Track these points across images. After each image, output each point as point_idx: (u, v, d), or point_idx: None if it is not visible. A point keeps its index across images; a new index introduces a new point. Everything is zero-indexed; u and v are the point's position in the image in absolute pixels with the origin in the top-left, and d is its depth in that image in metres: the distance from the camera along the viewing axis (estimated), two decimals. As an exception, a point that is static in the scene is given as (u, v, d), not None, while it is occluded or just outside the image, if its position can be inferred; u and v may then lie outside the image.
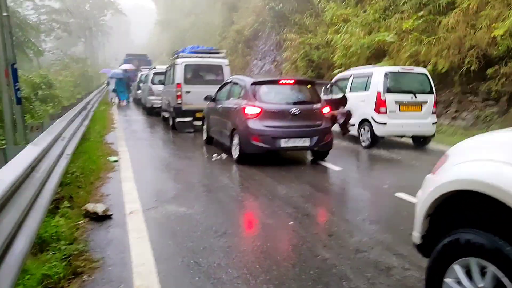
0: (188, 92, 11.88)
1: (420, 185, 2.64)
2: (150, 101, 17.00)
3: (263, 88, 7.47)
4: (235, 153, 7.57)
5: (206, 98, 9.35)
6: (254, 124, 7.13)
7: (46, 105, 14.63)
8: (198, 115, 11.92)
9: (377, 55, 15.39)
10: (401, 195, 5.37)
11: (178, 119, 12.01)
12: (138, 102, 22.29)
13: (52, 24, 44.41)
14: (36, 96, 15.41)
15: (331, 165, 7.31)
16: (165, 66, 17.61)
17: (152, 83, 16.98)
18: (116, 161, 7.59)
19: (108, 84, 26.43)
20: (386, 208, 5.15)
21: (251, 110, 7.20)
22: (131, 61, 34.72)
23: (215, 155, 8.16)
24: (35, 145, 4.62)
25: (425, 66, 12.14)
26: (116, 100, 23.98)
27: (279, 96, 7.55)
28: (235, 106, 7.68)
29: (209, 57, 12.43)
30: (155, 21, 63.15)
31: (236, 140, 7.53)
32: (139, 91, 21.31)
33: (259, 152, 7.25)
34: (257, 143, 7.10)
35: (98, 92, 25.17)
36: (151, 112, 17.16)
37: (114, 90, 24.00)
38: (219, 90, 9.21)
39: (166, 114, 13.94)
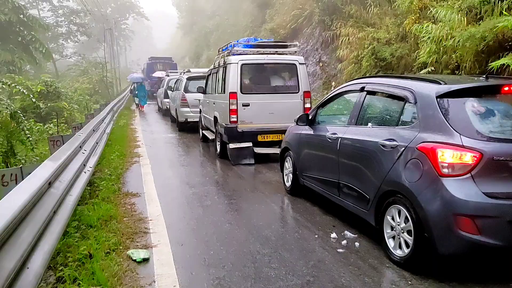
0: (247, 105, 7.94)
1: None
2: (184, 114, 13.10)
3: (470, 104, 3.37)
4: (395, 244, 3.51)
5: (299, 120, 5.30)
6: (460, 190, 3.03)
7: (47, 123, 10.86)
8: (260, 138, 8.04)
9: (490, 49, 11.12)
10: None
11: (231, 145, 8.05)
12: (165, 112, 18.54)
13: (71, 26, 41.46)
14: (37, 109, 11.71)
15: None
16: (202, 69, 13.80)
17: (186, 91, 13.06)
18: (145, 260, 3.64)
19: (132, 90, 26.85)
20: None
21: (452, 156, 3.12)
22: (154, 64, 31.72)
23: (333, 235, 4.14)
24: None
25: None
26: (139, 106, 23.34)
27: (509, 121, 3.45)
28: (395, 144, 3.61)
29: (276, 52, 8.42)
30: (177, 25, 60.01)
31: (400, 220, 3.47)
32: (167, 100, 17.52)
33: (469, 254, 3.17)
34: (471, 236, 3.00)
35: (118, 101, 21.55)
36: (184, 127, 13.37)
37: (135, 95, 23.77)
38: (324, 104, 5.16)
39: (209, 135, 9.98)
